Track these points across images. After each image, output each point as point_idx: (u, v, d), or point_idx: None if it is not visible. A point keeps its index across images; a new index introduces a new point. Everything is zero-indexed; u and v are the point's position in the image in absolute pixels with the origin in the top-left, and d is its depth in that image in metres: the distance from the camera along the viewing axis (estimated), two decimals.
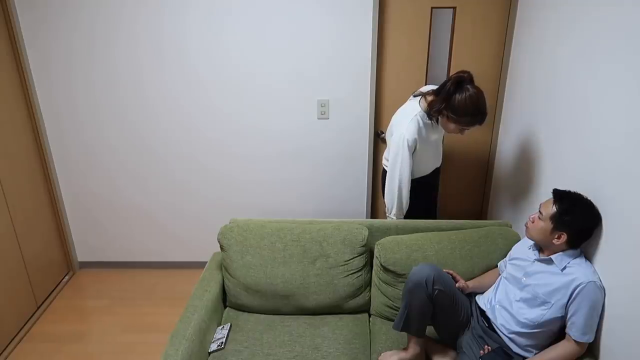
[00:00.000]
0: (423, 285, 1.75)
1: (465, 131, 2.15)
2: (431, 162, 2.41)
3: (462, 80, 2.03)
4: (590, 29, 1.77)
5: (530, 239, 1.80)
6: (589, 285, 1.60)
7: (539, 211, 1.75)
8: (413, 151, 2.22)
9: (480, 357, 1.74)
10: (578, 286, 1.61)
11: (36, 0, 2.57)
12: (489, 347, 1.77)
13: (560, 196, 1.71)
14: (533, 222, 1.76)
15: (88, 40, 2.66)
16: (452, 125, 2.13)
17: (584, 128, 1.81)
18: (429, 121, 2.21)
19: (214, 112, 2.83)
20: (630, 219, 1.50)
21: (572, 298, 1.62)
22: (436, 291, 1.76)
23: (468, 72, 2.06)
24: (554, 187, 2.04)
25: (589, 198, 1.70)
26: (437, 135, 2.32)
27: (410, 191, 2.30)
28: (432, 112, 2.14)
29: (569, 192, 1.73)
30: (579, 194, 1.72)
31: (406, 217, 2.43)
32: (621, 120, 1.57)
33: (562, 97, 1.99)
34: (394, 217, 2.34)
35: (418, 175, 2.38)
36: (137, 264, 3.25)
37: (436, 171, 2.49)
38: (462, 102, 2.02)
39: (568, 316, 1.64)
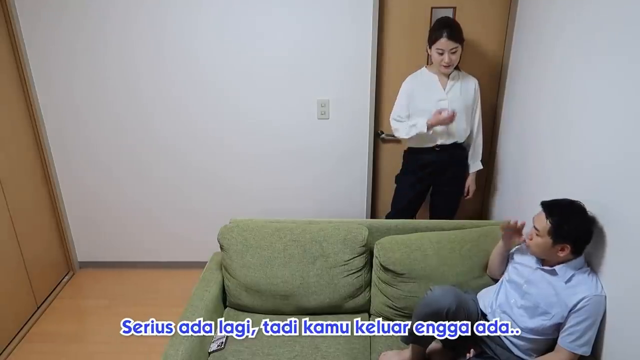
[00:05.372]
0: (443, 315, 1.69)
1: (445, 55, 2.29)
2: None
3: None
4: (591, 28, 1.77)
5: (533, 255, 1.77)
6: (593, 299, 1.58)
7: (534, 227, 1.69)
8: (408, 95, 2.47)
9: None
10: (582, 299, 1.59)
11: (36, 0, 2.57)
12: (474, 350, 1.75)
13: (550, 208, 1.66)
14: (531, 240, 1.71)
15: (88, 40, 2.65)
16: (432, 53, 2.34)
17: (584, 127, 1.80)
18: (433, 75, 2.43)
19: (214, 112, 2.83)
20: (634, 218, 1.50)
21: (575, 310, 1.60)
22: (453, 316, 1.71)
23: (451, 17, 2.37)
24: (548, 189, 2.04)
25: (579, 200, 1.66)
26: (438, 96, 2.41)
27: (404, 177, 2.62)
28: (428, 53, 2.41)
29: (558, 201, 1.68)
30: (568, 200, 1.67)
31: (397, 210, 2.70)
32: (622, 120, 1.57)
33: (562, 97, 1.99)
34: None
35: (416, 142, 2.52)
36: (137, 264, 3.25)
37: (438, 162, 2.53)
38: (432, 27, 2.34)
39: (567, 326, 1.62)
